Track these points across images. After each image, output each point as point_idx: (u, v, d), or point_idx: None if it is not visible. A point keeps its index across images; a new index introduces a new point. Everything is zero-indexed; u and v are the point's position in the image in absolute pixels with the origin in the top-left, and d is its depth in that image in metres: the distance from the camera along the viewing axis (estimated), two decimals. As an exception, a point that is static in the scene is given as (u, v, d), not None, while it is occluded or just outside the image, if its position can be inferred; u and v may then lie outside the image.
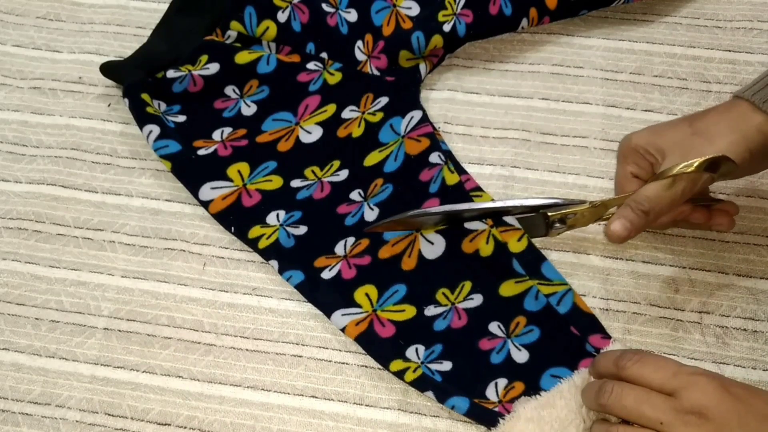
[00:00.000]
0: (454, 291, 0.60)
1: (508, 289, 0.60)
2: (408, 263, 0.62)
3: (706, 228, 0.61)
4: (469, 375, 0.57)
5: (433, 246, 0.62)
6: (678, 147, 0.55)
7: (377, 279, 0.61)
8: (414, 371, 0.56)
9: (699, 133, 0.55)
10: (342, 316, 0.59)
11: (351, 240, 0.63)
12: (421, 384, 0.56)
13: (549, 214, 0.59)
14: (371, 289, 0.61)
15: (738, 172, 0.56)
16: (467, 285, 0.60)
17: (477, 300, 0.60)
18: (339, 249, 0.63)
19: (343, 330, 0.59)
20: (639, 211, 0.54)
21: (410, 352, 0.58)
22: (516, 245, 0.61)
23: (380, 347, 0.58)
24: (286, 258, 0.62)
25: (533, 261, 0.61)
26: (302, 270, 0.62)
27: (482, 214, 0.61)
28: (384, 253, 0.62)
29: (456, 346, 0.58)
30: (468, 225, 0.62)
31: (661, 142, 0.56)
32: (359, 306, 0.60)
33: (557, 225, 0.60)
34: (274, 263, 0.62)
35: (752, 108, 0.54)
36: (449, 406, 0.55)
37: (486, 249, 0.61)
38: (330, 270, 0.62)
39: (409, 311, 0.60)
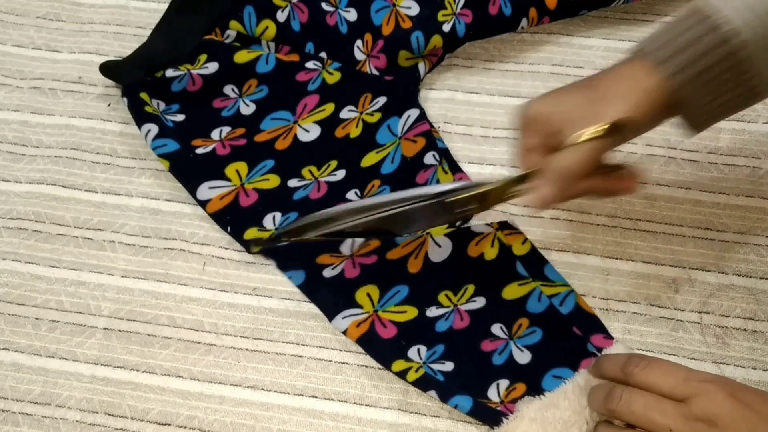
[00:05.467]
0: (456, 293, 0.60)
1: (512, 292, 0.60)
2: (413, 265, 0.62)
3: (613, 194, 0.59)
4: (471, 375, 0.57)
5: (440, 249, 0.62)
6: (579, 114, 0.53)
7: (380, 279, 0.61)
8: (416, 371, 0.56)
9: (598, 99, 0.53)
10: (343, 319, 0.59)
11: (359, 240, 0.63)
12: (424, 384, 0.56)
13: (448, 200, 0.57)
14: (373, 290, 0.61)
15: (635, 132, 0.55)
16: (470, 288, 0.60)
17: (480, 302, 0.60)
18: (345, 248, 0.63)
19: (344, 333, 0.59)
20: (557, 177, 0.53)
21: (412, 353, 0.58)
22: (520, 248, 0.61)
23: (382, 348, 0.58)
24: (284, 257, 0.62)
25: (536, 263, 0.61)
26: (303, 269, 0.62)
27: (383, 213, 0.58)
28: (393, 254, 0.62)
29: (458, 346, 0.58)
30: (474, 228, 0.62)
31: (562, 110, 0.54)
32: (360, 306, 0.60)
33: (459, 210, 0.58)
34: (272, 262, 0.62)
35: (648, 69, 0.52)
36: (452, 405, 0.55)
37: (491, 252, 0.61)
38: (333, 269, 0.62)
39: (410, 312, 0.60)
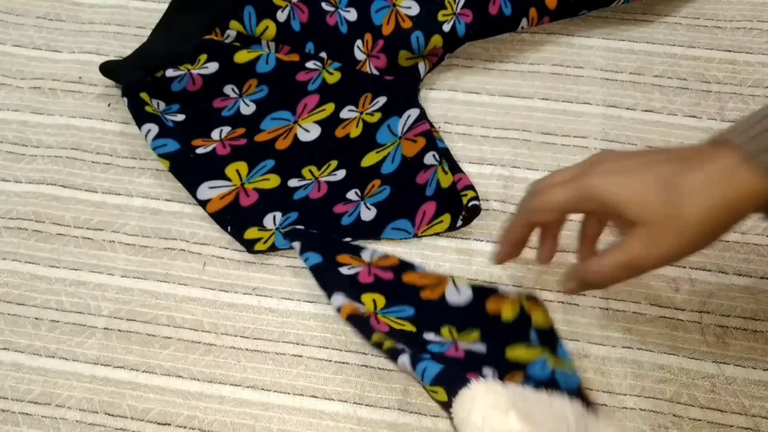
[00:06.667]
0: (460, 332, 0.58)
1: (517, 354, 0.57)
2: (426, 294, 0.60)
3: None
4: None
5: (459, 295, 0.60)
6: (652, 210, 0.46)
7: (387, 292, 0.60)
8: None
9: (676, 191, 0.45)
10: (338, 296, 0.59)
11: (380, 251, 0.62)
12: (394, 355, 0.55)
13: None
14: (379, 297, 0.60)
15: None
16: (475, 333, 0.58)
17: (480, 347, 0.57)
18: (366, 256, 0.62)
19: (338, 310, 0.58)
20: (591, 281, 0.49)
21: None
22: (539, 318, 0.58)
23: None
24: (306, 243, 0.62)
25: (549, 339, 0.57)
26: (320, 253, 0.62)
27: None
28: (409, 278, 0.61)
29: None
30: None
31: (630, 194, 0.47)
32: (362, 304, 0.60)
33: None
34: (272, 262, 0.62)
35: (737, 161, 0.45)
36: (419, 372, 0.53)
37: (508, 313, 0.59)
38: (350, 269, 0.61)
39: (408, 327, 0.59)
